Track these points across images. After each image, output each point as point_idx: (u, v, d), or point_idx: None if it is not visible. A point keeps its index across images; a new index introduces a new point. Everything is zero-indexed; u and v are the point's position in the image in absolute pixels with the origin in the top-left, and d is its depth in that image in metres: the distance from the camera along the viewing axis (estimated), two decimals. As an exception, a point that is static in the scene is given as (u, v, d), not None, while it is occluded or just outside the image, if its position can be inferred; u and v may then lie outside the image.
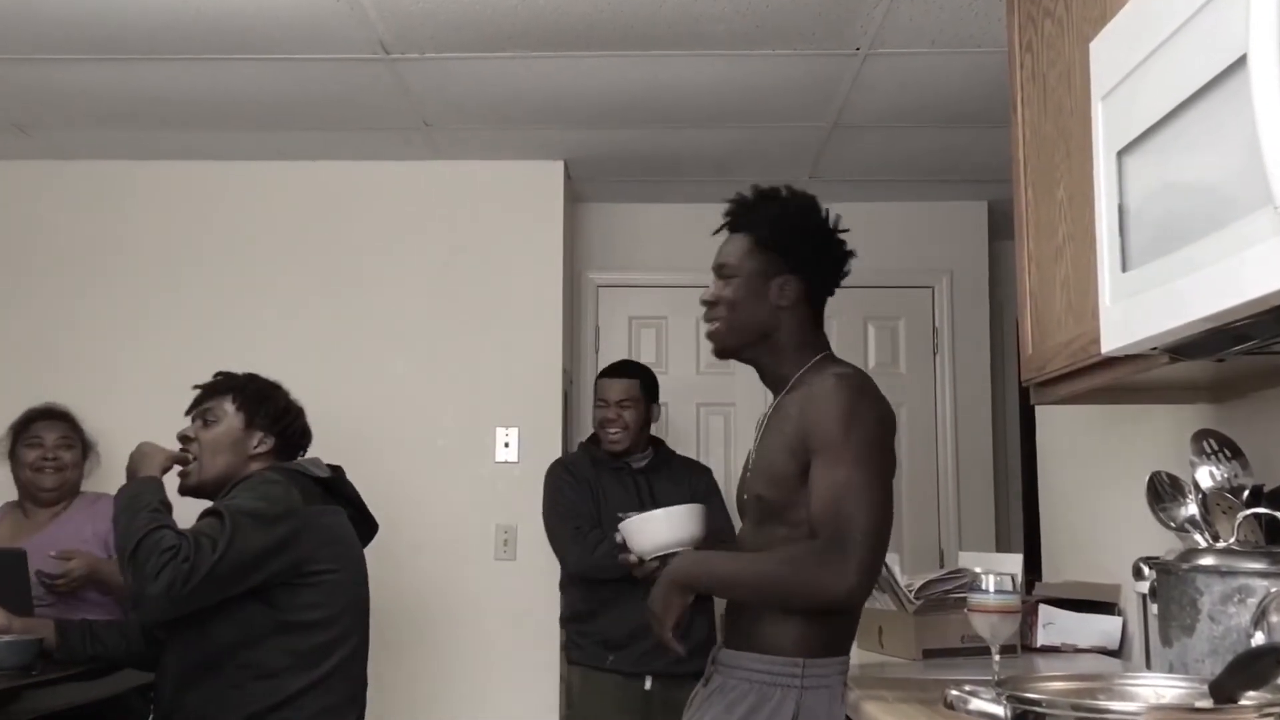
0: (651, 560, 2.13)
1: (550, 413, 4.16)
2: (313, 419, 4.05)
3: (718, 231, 2.13)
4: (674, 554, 2.10)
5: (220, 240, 4.21)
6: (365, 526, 2.74)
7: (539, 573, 4.02)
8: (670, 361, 4.67)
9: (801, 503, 1.93)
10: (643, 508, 3.14)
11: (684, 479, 3.54)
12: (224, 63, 3.34)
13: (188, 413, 2.67)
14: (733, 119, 3.78)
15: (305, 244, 4.22)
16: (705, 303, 2.10)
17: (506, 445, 4.14)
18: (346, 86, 3.52)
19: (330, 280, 4.19)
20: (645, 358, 4.67)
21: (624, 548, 2.60)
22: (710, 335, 2.10)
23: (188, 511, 2.52)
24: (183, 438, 2.60)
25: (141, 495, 2.41)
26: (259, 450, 2.61)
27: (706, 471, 3.71)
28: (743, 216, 2.10)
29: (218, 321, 4.15)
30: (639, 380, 3.60)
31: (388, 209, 4.24)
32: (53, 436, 3.50)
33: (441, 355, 4.17)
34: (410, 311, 4.19)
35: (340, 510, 2.61)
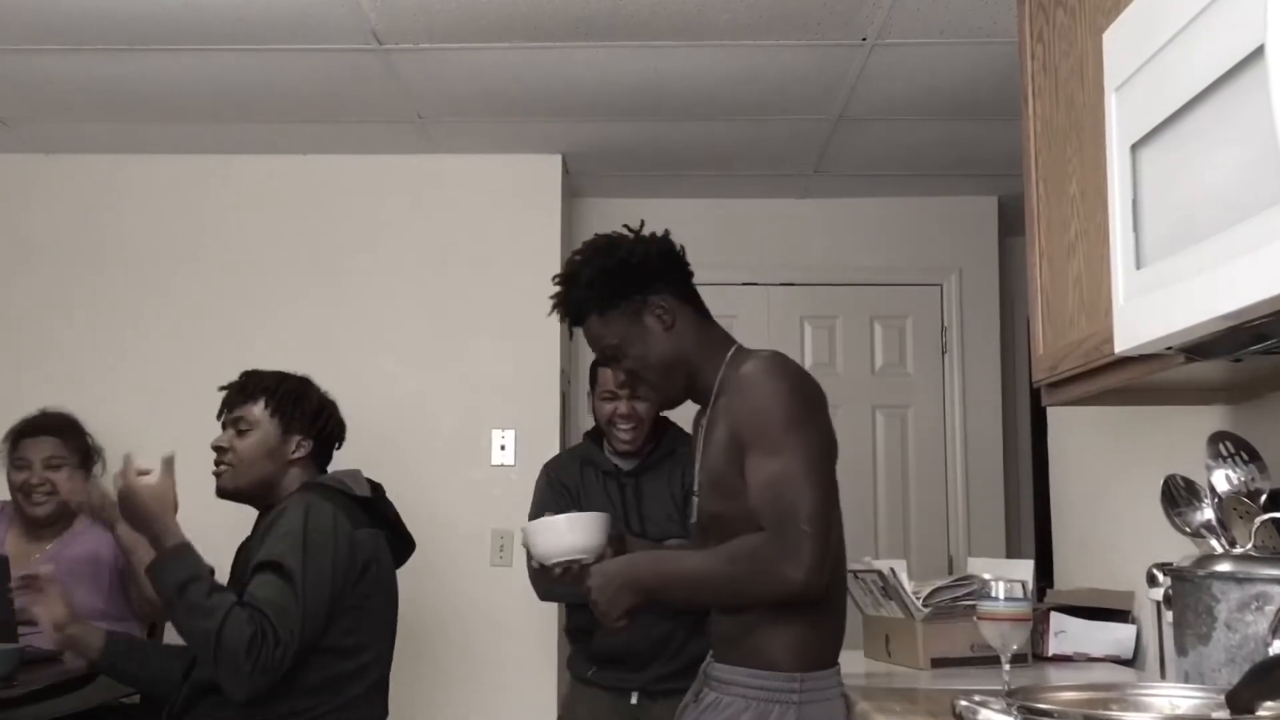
0: (555, 566, 2.11)
1: (548, 414, 4.16)
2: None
3: (570, 331, 2.21)
4: (575, 561, 2.09)
5: (207, 237, 4.21)
6: (401, 544, 2.72)
7: (536, 579, 4.01)
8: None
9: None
10: (625, 514, 3.12)
11: (679, 471, 3.15)
12: (211, 53, 3.34)
13: (218, 417, 2.61)
14: (736, 111, 3.78)
15: (294, 240, 4.21)
16: (622, 387, 2.16)
17: (503, 448, 4.13)
18: (337, 78, 3.52)
19: (320, 277, 4.19)
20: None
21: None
22: (654, 408, 2.16)
23: (211, 511, 2.49)
24: (217, 448, 2.53)
25: (184, 579, 2.27)
26: (297, 455, 2.57)
27: None
28: (570, 310, 2.13)
29: (205, 320, 4.15)
30: None
31: (380, 204, 4.24)
32: (41, 457, 3.36)
33: (435, 355, 4.17)
34: (403, 310, 4.18)
35: (379, 533, 2.58)
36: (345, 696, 2.43)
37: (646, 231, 2.15)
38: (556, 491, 3.26)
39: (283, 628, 2.25)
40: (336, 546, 2.38)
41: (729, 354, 2.06)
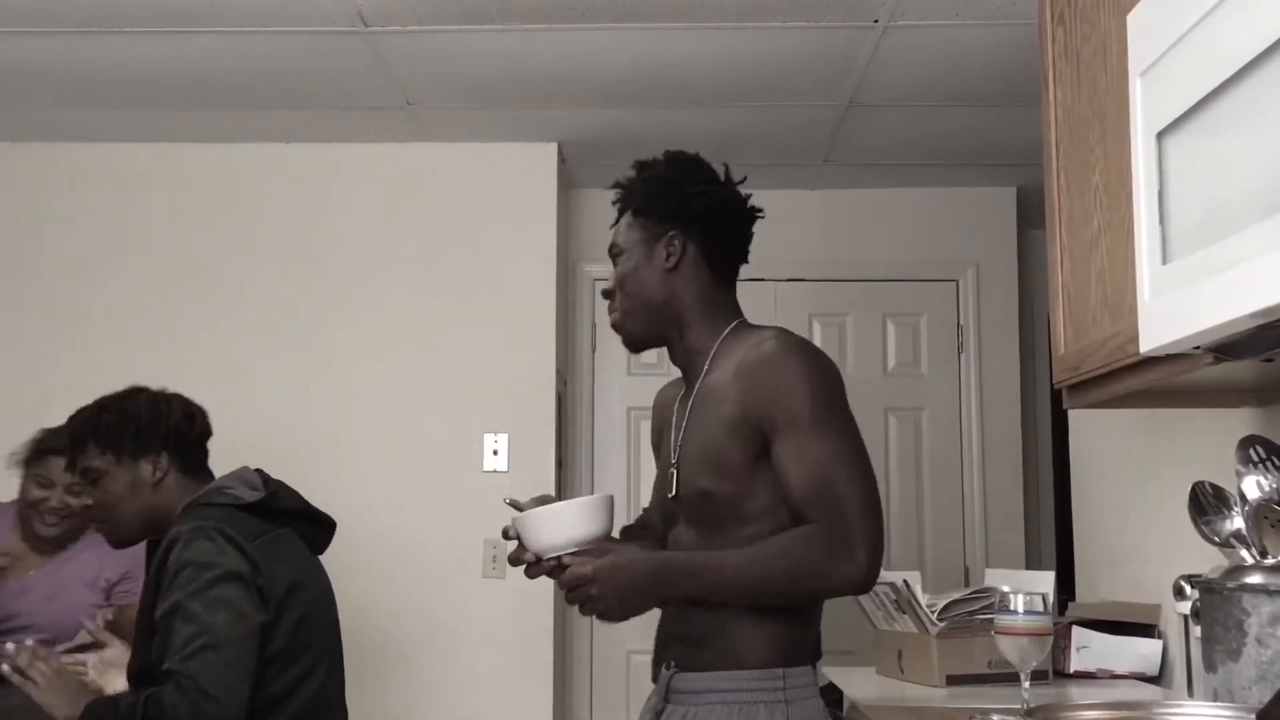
0: (549, 559, 1.96)
1: (542, 418, 4.16)
2: (284, 424, 4.10)
3: (615, 224, 2.17)
4: (573, 553, 1.95)
5: (183, 231, 4.21)
6: (318, 529, 2.60)
7: (531, 592, 3.99)
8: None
9: (756, 493, 1.88)
10: None
11: None
12: (186, 36, 3.34)
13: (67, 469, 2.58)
14: (740, 98, 3.78)
15: (275, 234, 4.21)
16: (605, 293, 2.14)
17: (495, 453, 4.13)
18: (321, 62, 3.52)
19: (303, 272, 4.19)
20: (646, 357, 4.65)
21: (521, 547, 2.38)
22: (615, 326, 2.12)
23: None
24: (84, 509, 2.54)
25: None
26: (160, 477, 2.46)
27: None
28: (622, 196, 2.16)
29: (179, 318, 4.15)
30: None
31: (366, 195, 4.23)
32: (65, 481, 3.27)
33: (424, 355, 4.16)
34: (390, 306, 4.18)
35: (285, 531, 2.47)
36: (285, 713, 2.38)
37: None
38: None
39: (208, 677, 2.17)
40: (231, 568, 2.29)
41: (731, 325, 2.05)
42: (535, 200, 4.24)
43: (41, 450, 3.35)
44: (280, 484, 2.54)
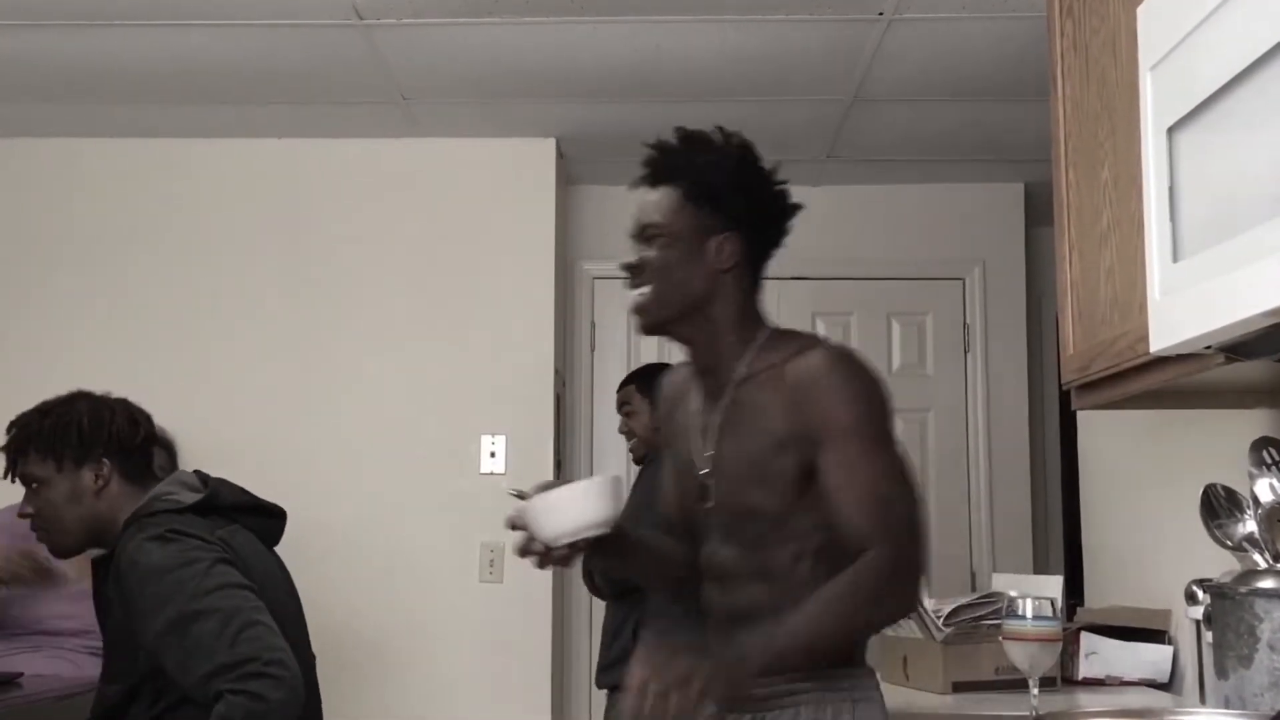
0: (560, 548, 1.92)
1: (541, 418, 4.16)
2: (276, 426, 4.09)
3: (636, 185, 1.99)
4: (591, 534, 1.91)
5: (174, 228, 4.21)
6: (269, 519, 2.55)
7: (528, 597, 4.01)
8: (673, 361, 4.65)
9: (801, 512, 1.85)
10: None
11: None
12: (179, 30, 3.33)
13: (10, 480, 2.51)
14: (743, 92, 3.78)
15: (269, 231, 4.21)
16: (628, 267, 1.96)
17: (493, 455, 4.13)
18: (315, 56, 3.52)
19: (296, 270, 4.19)
20: (646, 356, 4.67)
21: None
22: (638, 308, 1.96)
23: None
24: (23, 515, 2.44)
25: None
26: (101, 485, 2.42)
27: None
28: (668, 167, 1.97)
29: (171, 317, 4.15)
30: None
31: (361, 191, 4.23)
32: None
33: (420, 354, 4.16)
34: (385, 305, 4.18)
35: (235, 528, 2.44)
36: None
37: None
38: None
39: (266, 652, 2.15)
40: (215, 559, 2.27)
41: (764, 332, 1.96)
42: (533, 197, 4.23)
43: None
44: (220, 481, 2.50)
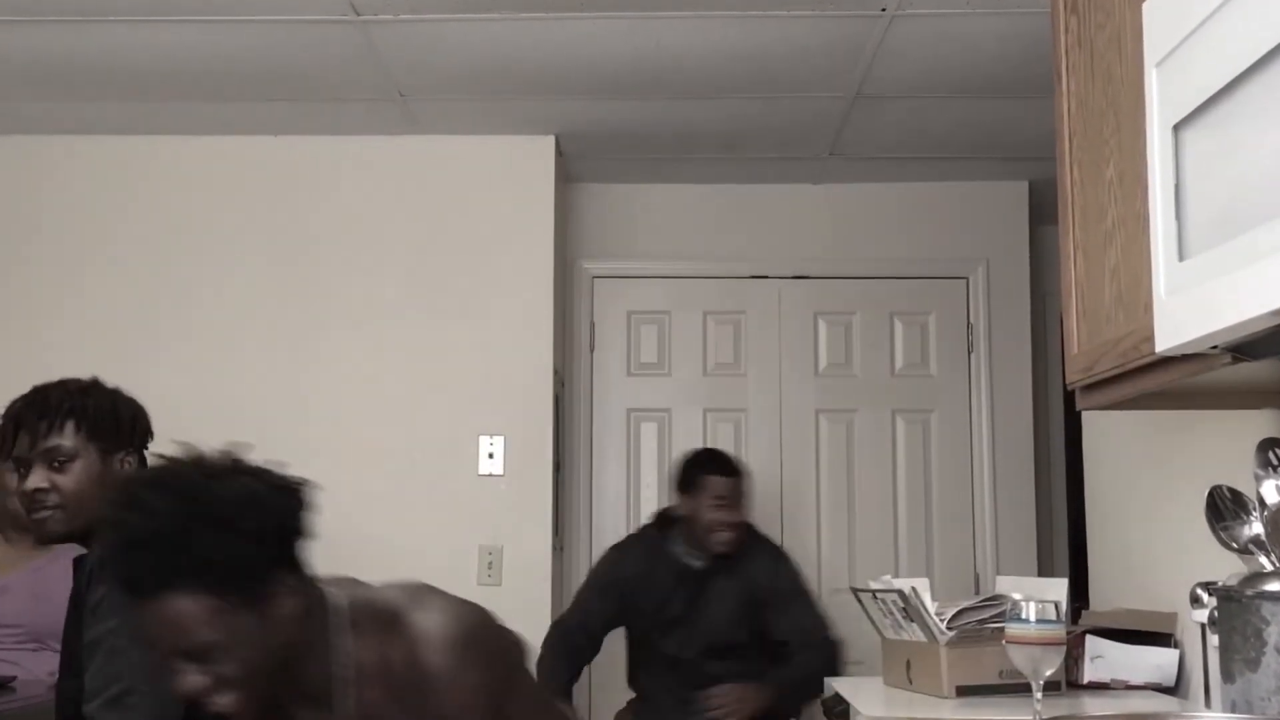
0: None
1: (540, 419, 4.15)
2: (271, 426, 4.08)
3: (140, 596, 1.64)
4: None
5: (169, 225, 4.20)
6: None
7: (527, 600, 4.00)
8: (674, 362, 4.66)
9: None
10: (686, 614, 3.58)
11: (748, 575, 3.67)
12: (172, 25, 3.33)
13: (6, 452, 2.36)
14: (744, 89, 3.78)
15: (264, 229, 4.21)
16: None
17: (491, 456, 4.13)
18: (311, 52, 3.51)
19: (292, 269, 4.19)
20: (645, 357, 4.68)
21: None
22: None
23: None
24: (36, 490, 2.31)
25: None
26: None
27: (783, 563, 3.78)
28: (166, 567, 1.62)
29: (165, 316, 4.14)
30: (746, 475, 3.77)
31: (358, 190, 4.23)
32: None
33: (417, 355, 4.16)
34: (382, 305, 4.18)
35: None
36: None
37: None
38: (608, 598, 3.72)
39: None
40: None
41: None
42: (532, 195, 4.23)
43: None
44: None
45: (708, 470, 3.70)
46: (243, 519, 1.70)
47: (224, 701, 1.62)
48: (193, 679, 1.60)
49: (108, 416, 2.40)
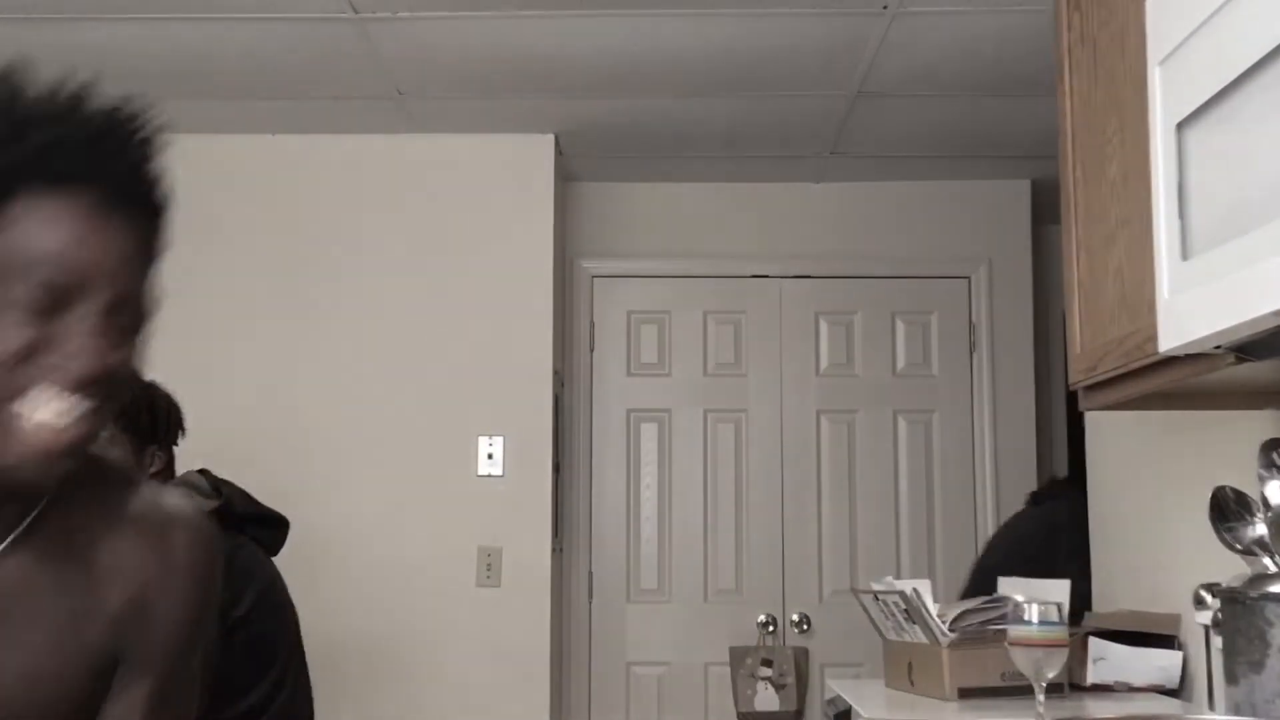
0: None
1: (539, 419, 4.15)
2: (267, 426, 4.09)
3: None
4: None
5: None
6: (272, 528, 2.55)
7: (526, 602, 4.00)
8: (674, 362, 4.66)
9: None
10: None
11: None
12: (169, 23, 3.34)
13: None
14: (745, 87, 3.78)
15: (262, 228, 4.21)
16: None
17: (490, 456, 4.13)
18: (308, 50, 3.51)
19: (289, 269, 4.19)
20: (645, 357, 4.68)
21: None
22: None
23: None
24: None
25: None
26: (153, 471, 2.42)
27: None
28: None
29: (162, 315, 4.13)
30: None
31: (356, 188, 4.23)
32: None
33: (416, 355, 4.16)
34: (380, 304, 4.18)
35: (243, 542, 2.44)
36: (273, 713, 2.36)
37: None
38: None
39: None
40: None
41: None
42: (531, 194, 4.23)
43: None
44: (229, 486, 2.48)
45: None
46: None
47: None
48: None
49: (145, 410, 2.41)
